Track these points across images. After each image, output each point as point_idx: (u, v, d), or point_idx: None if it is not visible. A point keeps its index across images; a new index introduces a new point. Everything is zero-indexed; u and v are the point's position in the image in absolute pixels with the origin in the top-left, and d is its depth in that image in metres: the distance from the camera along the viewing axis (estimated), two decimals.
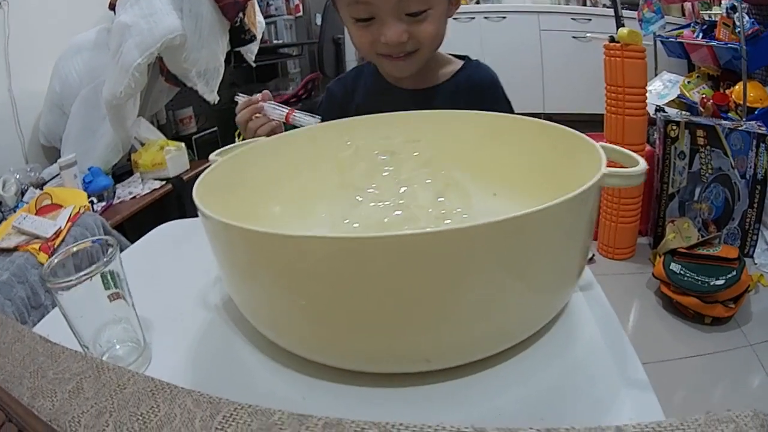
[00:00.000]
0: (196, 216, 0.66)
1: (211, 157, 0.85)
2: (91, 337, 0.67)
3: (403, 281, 0.54)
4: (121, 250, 1.90)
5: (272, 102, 1.17)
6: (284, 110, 1.10)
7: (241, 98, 1.20)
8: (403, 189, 0.97)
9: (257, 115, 1.16)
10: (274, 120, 1.14)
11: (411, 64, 1.22)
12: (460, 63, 1.36)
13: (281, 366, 0.68)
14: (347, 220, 0.92)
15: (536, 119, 0.87)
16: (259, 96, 1.18)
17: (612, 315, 0.75)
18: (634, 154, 0.69)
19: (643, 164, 0.65)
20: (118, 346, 0.70)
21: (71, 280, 0.61)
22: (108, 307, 0.67)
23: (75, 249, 0.69)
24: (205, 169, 0.78)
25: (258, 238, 0.56)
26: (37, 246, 1.83)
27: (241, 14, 2.87)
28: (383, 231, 0.85)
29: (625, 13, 5.26)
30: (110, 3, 2.76)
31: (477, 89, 1.30)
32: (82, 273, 0.62)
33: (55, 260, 0.67)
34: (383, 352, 0.60)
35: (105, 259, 0.65)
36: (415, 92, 1.30)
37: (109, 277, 0.65)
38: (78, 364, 0.46)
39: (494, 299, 0.58)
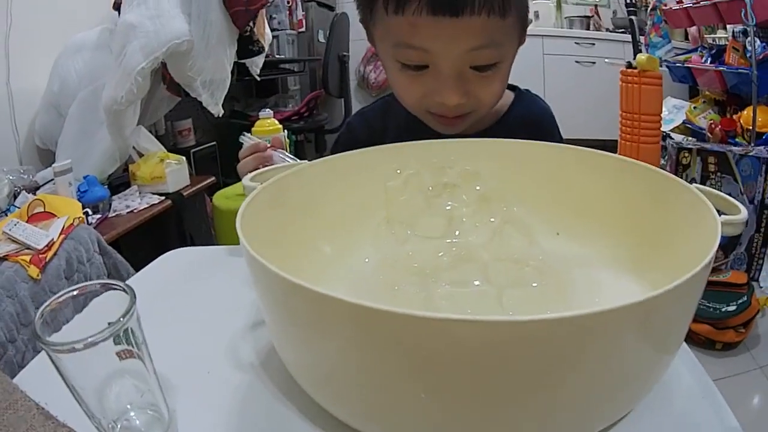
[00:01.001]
0: (200, 242, 0.54)
1: (247, 182, 0.73)
2: (96, 402, 0.53)
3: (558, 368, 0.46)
4: (118, 272, 1.78)
5: (283, 151, 1.03)
6: (297, 163, 0.97)
7: (247, 140, 1.06)
8: (458, 230, 0.86)
9: (265, 164, 0.99)
10: None
11: (463, 124, 1.03)
12: (510, 96, 1.20)
13: None
14: (398, 264, 0.81)
15: (617, 155, 0.79)
16: (267, 143, 1.04)
17: (693, 358, 0.70)
18: (733, 200, 0.63)
19: (745, 212, 0.60)
20: (133, 413, 0.57)
21: (73, 346, 0.48)
22: (116, 366, 0.53)
23: (75, 293, 0.55)
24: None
25: (371, 316, 0.44)
26: (27, 258, 1.71)
27: (251, 24, 2.75)
28: (453, 283, 0.76)
29: (626, 36, 5.29)
30: (114, 2, 2.64)
31: (533, 125, 1.13)
32: (90, 338, 0.48)
33: (48, 308, 0.53)
34: None
35: (122, 320, 0.50)
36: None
37: (121, 334, 0.51)
38: None
39: (632, 376, 0.52)
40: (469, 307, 0.72)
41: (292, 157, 1.01)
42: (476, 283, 0.75)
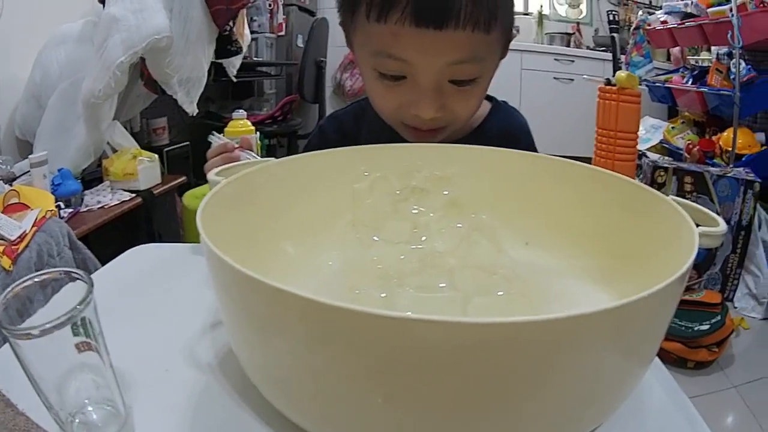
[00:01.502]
0: (168, 241, 0.52)
1: (212, 176, 0.71)
2: (55, 394, 0.52)
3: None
4: (86, 268, 1.76)
5: (250, 152, 1.02)
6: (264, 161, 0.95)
7: (215, 140, 1.05)
8: (424, 235, 0.85)
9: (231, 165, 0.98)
10: None
11: (437, 137, 1.00)
12: (486, 106, 1.18)
13: None
14: (362, 268, 0.79)
15: (591, 166, 0.78)
16: (236, 144, 1.02)
17: (666, 373, 0.69)
18: (711, 213, 0.62)
19: (723, 224, 0.59)
20: (90, 408, 0.56)
21: (29, 332, 0.47)
22: (75, 359, 0.52)
23: (37, 279, 0.54)
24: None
25: (328, 313, 0.42)
26: (0, 249, 1.69)
27: (231, 23, 2.74)
28: (418, 288, 0.75)
29: (606, 55, 5.33)
30: None
31: (508, 138, 1.08)
32: (47, 324, 0.47)
33: (10, 294, 0.52)
34: None
35: (79, 307, 0.49)
36: None
37: (79, 324, 0.50)
38: None
39: (601, 387, 0.50)
40: (433, 312, 0.70)
41: (257, 158, 1.00)
42: (442, 285, 0.74)
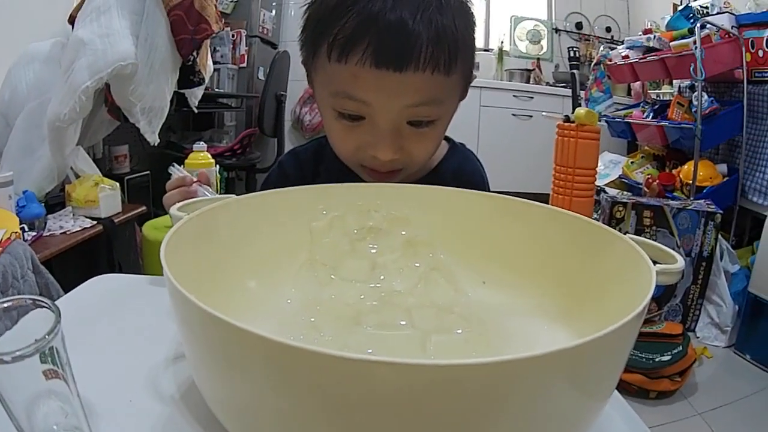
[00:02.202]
0: (128, 271, 0.52)
1: (174, 212, 0.71)
2: (25, 418, 0.52)
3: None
4: (49, 293, 1.73)
5: (208, 188, 1.03)
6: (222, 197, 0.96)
7: (175, 171, 1.05)
8: (382, 275, 0.85)
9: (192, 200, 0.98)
10: None
11: (394, 178, 1.01)
12: (444, 147, 1.19)
13: None
14: (320, 306, 0.79)
15: (547, 205, 0.80)
16: (194, 178, 1.02)
17: (626, 406, 0.70)
18: (669, 249, 0.64)
19: (681, 261, 0.61)
20: None
21: (5, 358, 0.46)
22: (43, 385, 0.52)
23: (6, 305, 0.53)
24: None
25: (287, 353, 0.42)
26: None
27: (194, 53, 2.74)
28: (376, 326, 0.75)
29: (566, 91, 5.37)
30: (70, 15, 2.60)
31: (462, 182, 1.03)
32: (18, 351, 0.47)
33: None
34: None
35: (48, 337, 0.49)
36: None
37: (46, 353, 0.50)
38: None
39: (559, 424, 0.50)
40: (392, 350, 0.71)
41: (213, 193, 1.02)
42: (402, 323, 0.74)
